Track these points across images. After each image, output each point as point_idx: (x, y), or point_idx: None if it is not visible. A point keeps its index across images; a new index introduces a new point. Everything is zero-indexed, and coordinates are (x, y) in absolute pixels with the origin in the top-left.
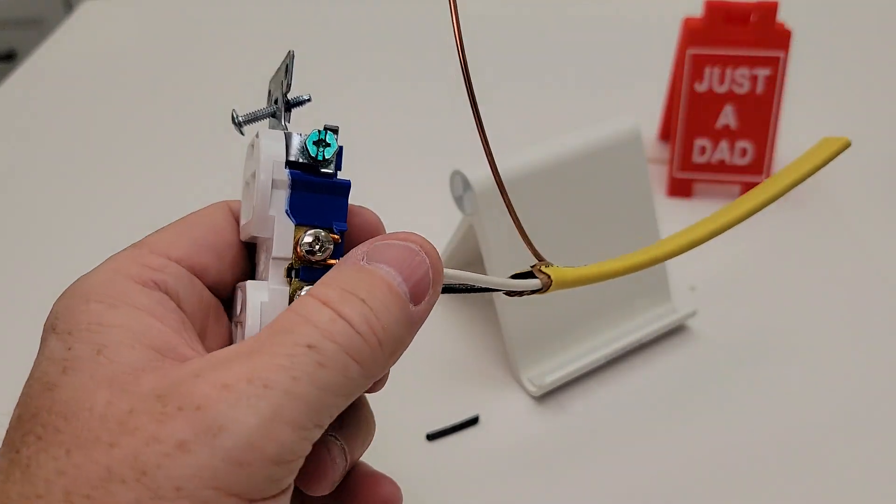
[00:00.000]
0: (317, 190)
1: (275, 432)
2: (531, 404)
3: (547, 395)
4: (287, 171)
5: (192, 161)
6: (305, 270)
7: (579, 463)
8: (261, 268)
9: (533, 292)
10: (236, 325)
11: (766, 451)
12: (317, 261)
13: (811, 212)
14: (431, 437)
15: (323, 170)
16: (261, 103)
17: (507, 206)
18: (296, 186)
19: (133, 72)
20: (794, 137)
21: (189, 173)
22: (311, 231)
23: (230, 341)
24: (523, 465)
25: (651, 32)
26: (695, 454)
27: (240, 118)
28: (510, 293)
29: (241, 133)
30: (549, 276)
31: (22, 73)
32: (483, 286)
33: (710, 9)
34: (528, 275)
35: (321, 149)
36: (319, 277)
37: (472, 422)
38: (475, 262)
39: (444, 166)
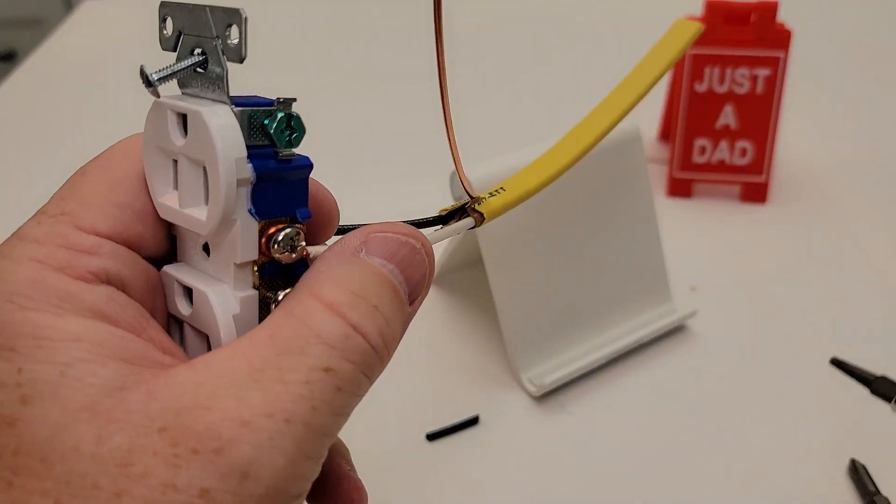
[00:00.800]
0: (279, 178)
1: (300, 470)
2: (531, 404)
3: (547, 395)
4: (250, 166)
5: None
6: (271, 267)
7: (579, 463)
8: (192, 257)
9: (470, 228)
10: (181, 325)
11: (766, 451)
12: (288, 260)
13: (811, 211)
14: (431, 437)
15: (283, 153)
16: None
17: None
18: (260, 181)
19: (133, 72)
20: (794, 137)
21: None
22: (284, 229)
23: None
24: (523, 466)
25: (651, 32)
26: (695, 454)
27: (153, 76)
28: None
29: (157, 95)
30: (481, 214)
31: (21, 74)
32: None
33: (710, 9)
34: (460, 212)
35: (290, 136)
36: (288, 272)
37: (472, 422)
38: (475, 262)
39: (443, 166)
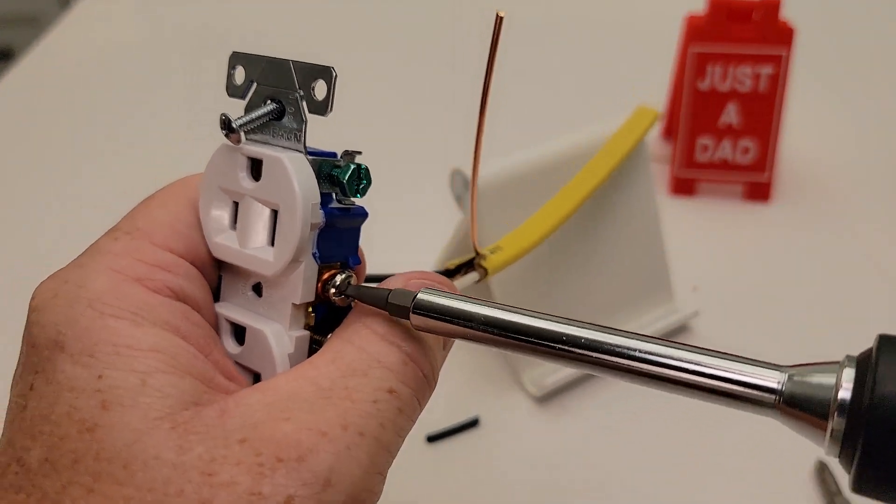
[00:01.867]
0: (340, 224)
1: (372, 483)
2: (532, 405)
3: (548, 396)
4: (322, 212)
5: (189, 159)
6: (322, 309)
7: (580, 464)
8: (240, 296)
9: (475, 283)
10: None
11: (768, 452)
12: (343, 303)
13: (815, 210)
14: (431, 438)
15: (345, 201)
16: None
17: (472, 196)
18: (325, 226)
19: (129, 70)
20: (797, 136)
21: (186, 171)
22: (339, 274)
23: None
24: (524, 467)
25: (654, 30)
26: (697, 455)
27: (237, 123)
28: None
29: (239, 141)
30: (485, 269)
31: (18, 72)
32: None
33: (713, 6)
34: (466, 267)
35: (358, 186)
36: (335, 314)
37: (473, 423)
38: None
39: (444, 165)
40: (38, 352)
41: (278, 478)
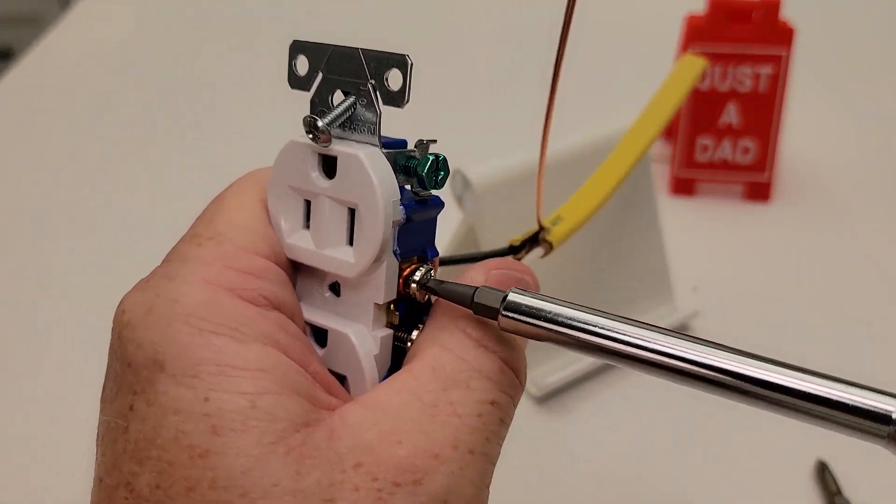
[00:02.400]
0: (417, 217)
1: (482, 498)
2: (532, 405)
3: (548, 396)
4: (402, 208)
5: (189, 159)
6: (403, 305)
7: (580, 464)
8: (318, 297)
9: (541, 257)
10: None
11: (768, 452)
12: (423, 299)
13: (815, 210)
14: None
15: (421, 193)
16: (260, 99)
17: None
18: (407, 221)
19: (129, 69)
20: (797, 136)
21: (186, 171)
22: (419, 269)
23: None
24: (524, 467)
25: (654, 30)
26: (697, 455)
27: (322, 123)
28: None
29: (329, 142)
30: (550, 244)
31: (18, 72)
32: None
33: (713, 6)
34: (531, 242)
35: (437, 178)
36: (416, 308)
37: None
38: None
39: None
40: (135, 371)
41: (398, 502)
